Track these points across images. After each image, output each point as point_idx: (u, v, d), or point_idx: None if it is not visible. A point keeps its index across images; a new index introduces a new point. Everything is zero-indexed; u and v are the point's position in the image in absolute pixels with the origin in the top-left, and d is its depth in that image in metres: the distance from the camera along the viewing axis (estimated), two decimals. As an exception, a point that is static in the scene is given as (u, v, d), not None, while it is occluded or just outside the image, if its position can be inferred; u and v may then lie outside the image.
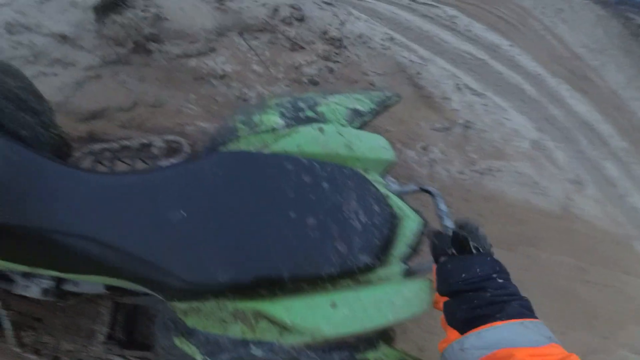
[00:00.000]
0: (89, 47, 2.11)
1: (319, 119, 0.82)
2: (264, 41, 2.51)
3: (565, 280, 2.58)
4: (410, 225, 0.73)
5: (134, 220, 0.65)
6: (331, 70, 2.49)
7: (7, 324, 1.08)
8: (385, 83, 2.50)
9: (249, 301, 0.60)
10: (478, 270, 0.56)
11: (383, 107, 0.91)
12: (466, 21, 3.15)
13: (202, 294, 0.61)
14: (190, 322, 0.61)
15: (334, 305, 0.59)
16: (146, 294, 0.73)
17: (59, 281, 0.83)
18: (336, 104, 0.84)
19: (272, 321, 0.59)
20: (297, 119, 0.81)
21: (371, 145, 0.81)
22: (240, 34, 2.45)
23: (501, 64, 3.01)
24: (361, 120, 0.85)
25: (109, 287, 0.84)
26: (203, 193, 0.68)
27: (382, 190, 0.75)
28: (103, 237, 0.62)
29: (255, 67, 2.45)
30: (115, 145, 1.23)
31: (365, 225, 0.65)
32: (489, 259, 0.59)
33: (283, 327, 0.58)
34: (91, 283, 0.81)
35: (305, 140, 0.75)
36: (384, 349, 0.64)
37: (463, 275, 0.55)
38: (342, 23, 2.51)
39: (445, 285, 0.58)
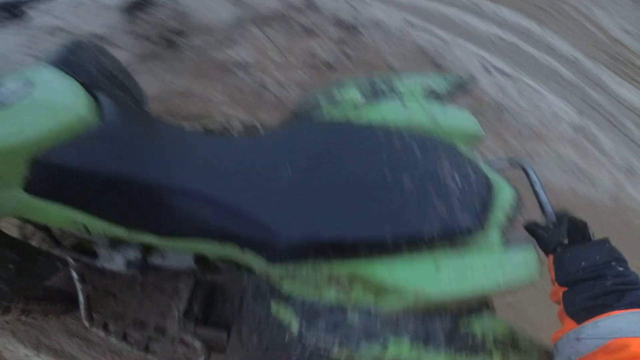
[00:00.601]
0: (124, 45, 2.19)
1: (398, 96, 0.81)
2: (279, 30, 2.45)
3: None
4: (505, 194, 0.69)
5: (243, 179, 0.64)
6: (348, 56, 2.37)
7: (82, 298, 1.06)
8: (406, 66, 2.34)
9: (346, 263, 0.57)
10: (597, 257, 0.54)
11: (458, 89, 0.90)
12: (492, 6, 2.96)
13: (301, 254, 0.58)
14: (286, 287, 0.59)
15: (437, 267, 0.55)
16: (231, 269, 0.73)
17: (146, 253, 0.80)
18: (411, 82, 0.85)
19: (368, 285, 0.56)
20: (376, 95, 0.80)
21: (456, 118, 0.79)
22: (257, 24, 2.42)
23: (533, 47, 2.77)
24: (439, 101, 0.83)
25: (196, 261, 0.80)
26: (306, 156, 0.68)
27: (474, 159, 0.72)
28: (214, 194, 0.61)
29: (272, 55, 2.41)
30: (198, 126, 1.27)
31: (462, 189, 0.62)
32: (607, 245, 0.58)
33: (379, 291, 0.55)
34: (180, 255, 0.79)
35: (389, 113, 0.75)
36: (488, 318, 0.57)
37: (583, 263, 0.54)
38: (356, 9, 2.41)
39: (565, 275, 0.56)
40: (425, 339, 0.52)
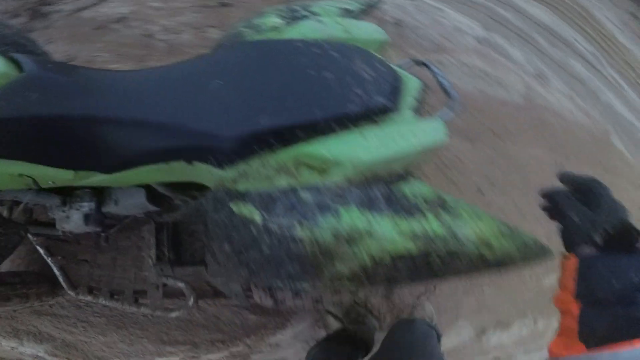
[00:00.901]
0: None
1: (315, 16, 0.88)
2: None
3: (541, 176, 2.26)
4: (412, 83, 0.79)
5: (175, 96, 0.66)
6: (241, -11, 2.32)
7: (56, 270, 1.07)
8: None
9: (289, 149, 0.62)
10: (633, 276, 0.42)
11: (369, 7, 1.01)
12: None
13: (246, 150, 0.62)
14: (242, 187, 0.61)
15: (365, 139, 0.63)
16: (187, 203, 0.78)
17: (99, 205, 0.80)
18: (327, 5, 0.93)
19: (311, 165, 0.61)
20: (294, 18, 0.87)
21: (366, 30, 0.90)
22: None
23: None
24: (352, 17, 0.93)
25: (149, 200, 0.80)
26: (233, 67, 0.72)
27: (384, 59, 0.81)
28: (148, 115, 0.62)
29: (153, 3, 2.32)
30: None
31: (374, 77, 0.71)
32: None
33: (322, 168, 0.61)
34: (132, 195, 0.79)
35: (307, 31, 0.82)
36: (416, 183, 0.65)
37: (613, 281, 0.42)
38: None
39: (589, 290, 0.44)
40: (369, 206, 0.57)
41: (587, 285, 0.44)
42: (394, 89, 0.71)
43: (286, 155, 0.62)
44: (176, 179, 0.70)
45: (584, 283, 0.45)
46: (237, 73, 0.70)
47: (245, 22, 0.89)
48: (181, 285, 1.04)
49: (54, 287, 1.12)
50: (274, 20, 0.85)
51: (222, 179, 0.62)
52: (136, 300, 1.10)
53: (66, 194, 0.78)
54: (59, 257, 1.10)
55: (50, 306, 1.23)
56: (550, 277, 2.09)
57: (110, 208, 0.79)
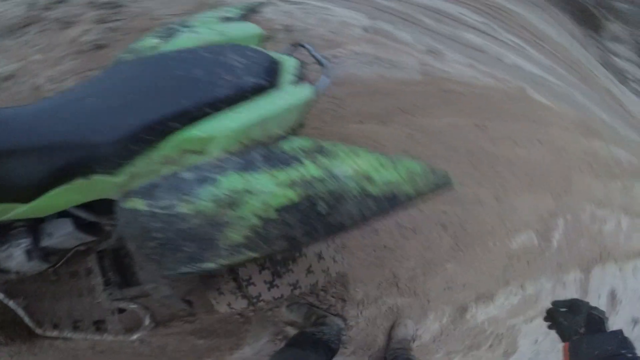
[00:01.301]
0: None
1: (190, 29, 0.91)
2: (35, 33, 2.20)
3: (464, 140, 2.21)
4: (289, 62, 0.85)
5: (59, 119, 0.67)
6: (115, 30, 2.18)
7: (20, 312, 1.06)
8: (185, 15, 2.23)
9: (167, 140, 0.64)
10: (609, 347, 0.61)
11: (250, 11, 1.05)
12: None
13: (127, 152, 0.63)
14: (134, 186, 0.64)
15: (234, 112, 0.67)
16: (114, 227, 0.83)
17: (36, 240, 0.80)
18: (206, 17, 0.97)
19: (192, 149, 0.63)
20: (171, 35, 0.89)
21: (241, 28, 0.95)
22: (9, 36, 2.18)
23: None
24: (226, 21, 0.98)
25: (82, 229, 0.82)
26: (105, 83, 0.76)
27: (260, 49, 0.85)
28: (42, 141, 0.63)
29: (37, 58, 2.16)
30: None
31: (246, 63, 0.76)
32: (619, 337, 0.62)
33: (202, 149, 0.63)
34: (63, 230, 0.80)
35: (182, 42, 0.85)
36: (295, 138, 0.70)
37: (596, 352, 0.61)
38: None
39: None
40: (246, 168, 0.61)
41: (576, 357, 0.63)
42: (269, 70, 0.76)
43: (167, 146, 0.64)
44: (87, 198, 0.71)
45: (574, 356, 0.63)
46: (109, 87, 0.74)
47: (125, 49, 0.92)
48: (133, 306, 1.06)
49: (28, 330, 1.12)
50: (151, 41, 0.88)
51: (116, 185, 0.64)
52: (98, 329, 1.11)
53: (2, 235, 0.78)
54: (20, 299, 1.08)
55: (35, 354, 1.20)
56: (517, 238, 2.03)
57: (47, 242, 0.81)
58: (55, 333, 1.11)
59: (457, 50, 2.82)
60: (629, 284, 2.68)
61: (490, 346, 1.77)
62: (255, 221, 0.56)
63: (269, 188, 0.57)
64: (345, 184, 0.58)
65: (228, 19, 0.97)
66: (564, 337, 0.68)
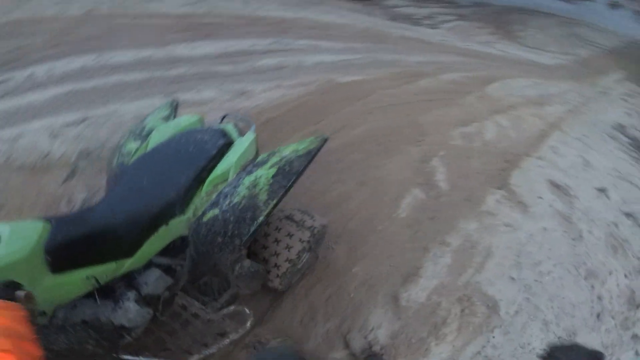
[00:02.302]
0: None
1: (151, 130, 1.27)
2: None
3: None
4: (229, 127, 1.31)
5: (138, 194, 1.03)
6: None
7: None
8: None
9: (204, 183, 1.09)
10: None
11: (175, 108, 1.45)
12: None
13: (187, 196, 1.04)
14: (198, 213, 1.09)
15: (227, 156, 1.18)
16: (181, 266, 1.10)
17: (137, 291, 0.96)
18: (153, 119, 1.34)
19: (219, 181, 1.13)
20: (143, 137, 1.25)
21: (186, 119, 1.31)
22: None
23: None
24: (170, 119, 1.37)
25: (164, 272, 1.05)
26: (148, 169, 1.11)
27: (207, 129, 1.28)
28: (134, 211, 0.95)
29: None
30: None
31: (211, 135, 1.20)
32: None
33: (225, 178, 1.13)
34: (153, 277, 0.99)
35: (155, 140, 1.20)
36: (261, 155, 1.24)
37: None
38: None
39: None
40: (250, 172, 1.15)
41: None
42: (224, 134, 1.21)
43: (206, 186, 1.07)
44: (167, 241, 0.99)
45: None
46: (151, 170, 1.09)
47: (117, 157, 1.22)
48: (237, 307, 1.16)
49: None
50: (132, 145, 1.21)
51: (188, 219, 1.02)
52: (221, 336, 1.14)
53: (112, 298, 0.91)
54: (145, 353, 1.06)
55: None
56: (402, 205, 2.04)
57: (146, 290, 0.96)
58: (195, 357, 1.12)
59: (260, 80, 2.92)
60: (561, 164, 2.87)
61: (463, 311, 1.59)
62: (267, 186, 1.06)
63: (263, 172, 1.10)
64: (288, 155, 1.16)
65: (166, 117, 1.34)
66: None
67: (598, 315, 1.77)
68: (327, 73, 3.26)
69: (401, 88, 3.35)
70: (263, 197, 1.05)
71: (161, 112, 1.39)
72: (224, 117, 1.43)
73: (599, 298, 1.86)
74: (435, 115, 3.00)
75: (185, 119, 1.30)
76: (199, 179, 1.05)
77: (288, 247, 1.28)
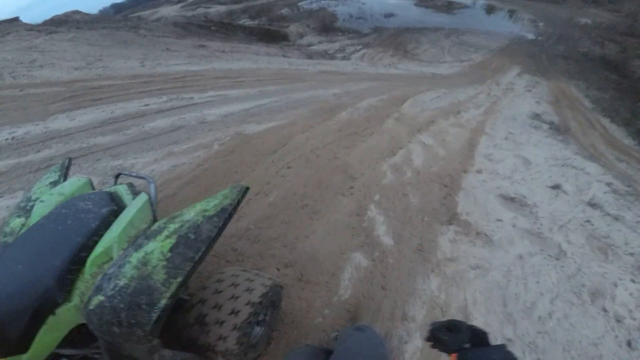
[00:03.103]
0: None
1: (37, 201, 1.08)
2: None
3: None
4: (121, 188, 1.13)
5: (10, 286, 0.85)
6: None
7: None
8: None
9: (87, 263, 0.89)
10: (495, 358, 0.65)
11: (65, 169, 1.26)
12: None
13: (67, 280, 0.86)
14: (83, 299, 0.87)
15: (111, 230, 0.95)
16: (99, 354, 0.94)
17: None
18: (39, 188, 1.15)
19: (104, 259, 0.91)
20: (27, 211, 1.07)
21: (70, 184, 1.13)
22: None
23: None
24: (58, 183, 1.17)
25: None
26: (20, 252, 0.91)
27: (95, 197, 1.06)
28: (11, 305, 0.82)
29: None
30: None
31: (94, 201, 1.02)
32: (504, 349, 0.66)
33: (110, 256, 0.91)
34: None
35: (38, 213, 1.03)
36: (158, 222, 0.98)
37: None
38: None
39: None
40: (140, 246, 0.92)
41: None
42: (111, 199, 1.02)
43: (89, 267, 0.87)
44: (64, 331, 0.85)
45: None
46: (24, 254, 0.90)
47: (1, 234, 1.03)
48: None
49: None
50: (17, 220, 1.04)
51: (76, 305, 0.85)
52: None
53: None
54: None
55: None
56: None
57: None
58: None
59: (146, 148, 2.32)
60: (502, 171, 2.65)
61: None
62: (163, 262, 0.86)
63: (156, 245, 0.89)
64: (193, 219, 0.93)
65: (54, 183, 1.17)
66: (448, 351, 0.70)
67: (629, 343, 1.40)
68: (236, 125, 2.77)
69: (321, 126, 2.98)
70: (160, 276, 0.85)
71: (49, 177, 1.21)
72: (117, 176, 1.27)
73: (618, 320, 1.49)
74: (360, 151, 2.63)
75: (70, 185, 1.14)
76: (78, 260, 0.88)
77: (235, 328, 1.04)
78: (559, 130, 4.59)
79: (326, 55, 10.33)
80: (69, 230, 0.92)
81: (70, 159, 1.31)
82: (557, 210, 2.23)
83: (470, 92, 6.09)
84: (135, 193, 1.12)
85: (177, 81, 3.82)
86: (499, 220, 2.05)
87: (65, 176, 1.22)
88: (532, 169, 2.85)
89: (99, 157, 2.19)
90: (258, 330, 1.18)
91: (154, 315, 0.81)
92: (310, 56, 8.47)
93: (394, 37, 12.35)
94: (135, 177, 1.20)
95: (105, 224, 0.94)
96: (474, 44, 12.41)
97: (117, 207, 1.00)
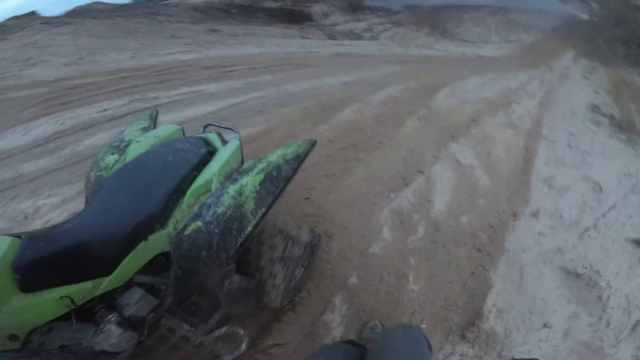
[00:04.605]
0: None
1: (131, 141, 1.09)
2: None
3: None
4: (212, 136, 1.12)
5: (116, 210, 0.85)
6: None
7: None
8: None
9: (188, 193, 0.91)
10: None
11: (154, 118, 1.27)
12: None
13: (167, 210, 0.87)
14: (179, 227, 0.89)
15: (210, 165, 1.00)
16: (166, 285, 0.93)
17: (119, 313, 0.84)
18: (132, 130, 1.15)
19: (202, 192, 0.93)
20: (121, 149, 1.06)
21: (164, 129, 1.15)
22: None
23: None
24: (150, 129, 1.18)
25: (147, 292, 0.90)
26: (126, 182, 0.91)
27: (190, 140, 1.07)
28: (110, 226, 0.81)
29: None
30: None
31: (191, 145, 1.03)
32: None
33: (208, 188, 0.94)
34: (135, 298, 0.86)
35: (133, 152, 1.02)
36: (246, 163, 1.03)
37: None
38: None
39: None
40: (235, 180, 0.96)
41: None
42: (206, 143, 1.05)
43: (187, 198, 0.89)
44: (148, 257, 0.84)
45: None
46: (130, 183, 0.89)
47: (94, 170, 1.03)
48: (229, 328, 1.02)
49: None
50: (110, 157, 1.04)
51: (169, 233, 0.85)
52: None
53: (93, 321, 0.80)
54: None
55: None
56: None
57: (129, 311, 0.84)
58: None
59: (67, 181, 1.66)
60: (567, 213, 1.76)
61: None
62: (254, 194, 0.90)
63: (249, 179, 0.93)
64: (276, 160, 0.99)
65: (146, 128, 1.18)
66: None
67: None
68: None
69: (309, 134, 2.14)
70: (250, 206, 0.89)
71: (140, 123, 1.21)
72: (206, 127, 1.27)
73: None
74: (353, 182, 1.72)
75: (164, 129, 1.14)
76: (179, 191, 0.88)
77: (284, 265, 1.08)
78: (621, 126, 3.58)
79: (351, 36, 9.13)
80: (170, 165, 0.93)
81: (157, 111, 1.32)
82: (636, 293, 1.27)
83: (521, 77, 4.86)
84: (224, 140, 1.12)
85: (159, 74, 3.13)
86: (546, 326, 1.13)
87: (154, 124, 1.24)
88: (605, 202, 1.84)
89: (17, 194, 1.57)
90: (299, 272, 1.20)
91: (240, 240, 0.86)
92: (333, 37, 7.42)
93: (431, 15, 10.72)
94: (223, 127, 1.21)
95: (203, 162, 0.97)
96: (523, 23, 10.51)
97: (211, 149, 1.04)
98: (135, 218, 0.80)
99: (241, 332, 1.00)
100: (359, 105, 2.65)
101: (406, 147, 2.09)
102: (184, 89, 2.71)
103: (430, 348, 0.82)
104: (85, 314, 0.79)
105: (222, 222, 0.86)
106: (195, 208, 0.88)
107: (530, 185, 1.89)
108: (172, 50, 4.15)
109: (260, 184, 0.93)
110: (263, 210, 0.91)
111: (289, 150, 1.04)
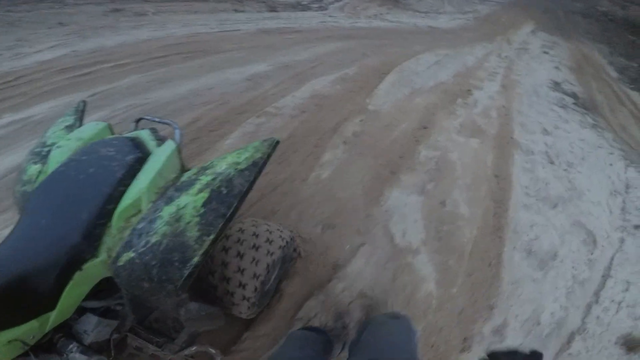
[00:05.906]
0: None
1: (54, 146, 0.91)
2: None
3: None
4: (144, 133, 0.92)
5: (36, 243, 0.72)
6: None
7: None
8: None
9: (114, 216, 0.72)
10: None
11: (80, 113, 1.04)
12: None
13: (95, 236, 0.71)
14: (112, 254, 0.72)
15: (138, 179, 0.77)
16: (122, 306, 0.81)
17: (78, 342, 0.76)
18: (54, 133, 0.96)
19: (132, 212, 0.74)
20: (43, 157, 0.90)
21: (88, 128, 0.94)
22: None
23: None
24: (74, 128, 0.96)
25: (101, 316, 0.81)
26: (45, 205, 0.75)
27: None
28: (39, 262, 0.69)
29: None
30: None
31: (117, 148, 0.82)
32: None
33: (138, 209, 0.74)
34: (90, 324, 0.79)
35: (56, 159, 0.85)
36: (186, 172, 0.81)
37: None
38: None
39: None
40: (170, 199, 0.75)
41: None
42: (135, 145, 0.83)
43: (116, 221, 0.72)
44: (90, 285, 0.74)
45: None
46: (48, 208, 0.75)
47: (19, 184, 0.90)
48: (199, 348, 0.91)
49: None
50: (34, 168, 0.90)
51: (103, 260, 0.71)
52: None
53: (54, 351, 0.74)
54: None
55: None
56: None
57: (88, 339, 0.78)
58: None
59: None
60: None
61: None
62: (196, 219, 0.71)
63: (189, 199, 0.72)
64: (225, 171, 0.77)
65: (70, 127, 0.99)
66: None
67: None
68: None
69: (209, 148, 1.25)
70: (193, 233, 0.72)
71: (64, 121, 1.01)
72: (138, 121, 1.05)
73: None
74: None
75: (89, 129, 0.95)
76: (105, 213, 0.72)
77: (255, 276, 0.94)
78: (586, 107, 3.21)
79: (297, 7, 7.81)
80: (93, 179, 0.77)
81: (85, 102, 1.09)
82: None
83: (478, 52, 4.16)
84: (159, 139, 0.93)
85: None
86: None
87: (80, 120, 1.02)
88: (584, 204, 1.18)
89: None
90: (273, 279, 1.07)
91: (186, 272, 0.72)
92: (273, 8, 6.18)
93: (383, -17, 9.60)
94: (158, 122, 1.02)
95: (131, 172, 0.79)
96: (479, -7, 9.71)
97: (142, 153, 0.82)
98: (62, 249, 0.69)
99: (212, 350, 0.87)
100: (258, 122, 1.72)
101: (310, 218, 1.25)
102: (5, 119, 1.62)
103: (416, 338, 0.77)
104: (46, 345, 0.72)
105: (159, 253, 0.70)
106: (126, 234, 0.73)
107: (507, 211, 1.16)
108: (46, 44, 2.85)
109: (204, 205, 0.74)
110: (212, 237, 0.73)
111: (242, 157, 0.81)
